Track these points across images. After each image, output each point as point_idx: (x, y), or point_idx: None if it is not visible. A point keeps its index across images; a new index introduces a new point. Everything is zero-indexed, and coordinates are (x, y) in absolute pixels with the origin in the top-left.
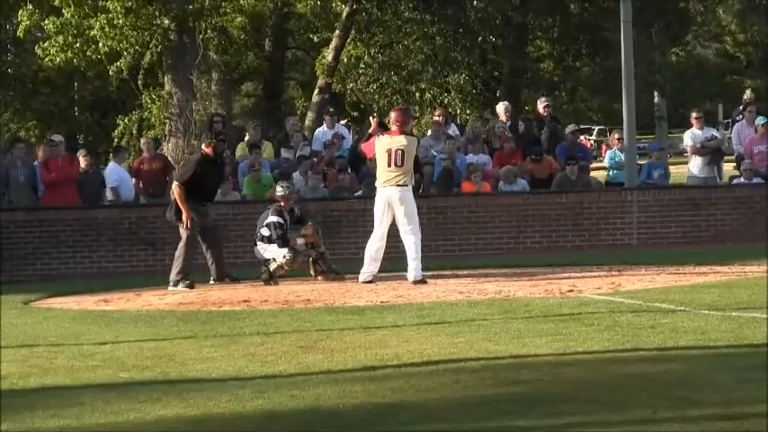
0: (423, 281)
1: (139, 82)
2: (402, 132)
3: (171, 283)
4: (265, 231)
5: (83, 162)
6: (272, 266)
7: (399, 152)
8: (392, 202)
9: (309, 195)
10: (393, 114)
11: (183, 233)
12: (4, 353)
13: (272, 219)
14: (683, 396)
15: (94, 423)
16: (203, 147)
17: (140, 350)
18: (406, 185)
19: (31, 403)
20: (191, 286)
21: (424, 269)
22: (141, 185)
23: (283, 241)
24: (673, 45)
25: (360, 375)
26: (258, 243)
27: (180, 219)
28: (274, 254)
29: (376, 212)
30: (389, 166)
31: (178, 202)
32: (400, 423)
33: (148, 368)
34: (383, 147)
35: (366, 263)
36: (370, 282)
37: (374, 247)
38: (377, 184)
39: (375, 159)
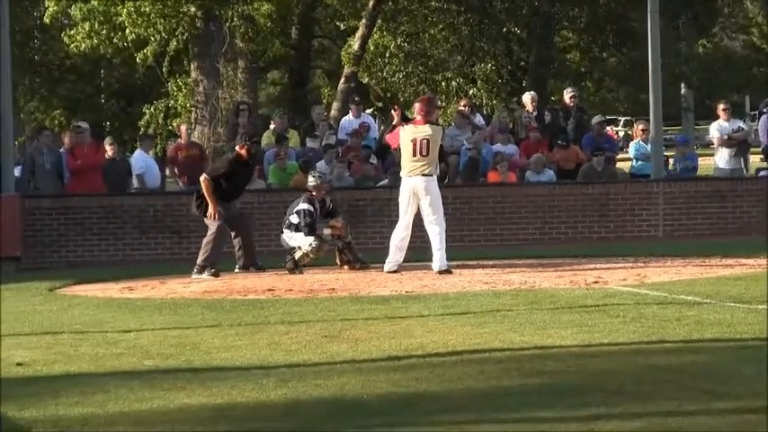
0: (448, 271)
1: (165, 69)
2: (427, 122)
3: (195, 270)
4: (294, 219)
5: (109, 150)
6: (298, 255)
7: (424, 142)
8: (417, 192)
9: (335, 184)
10: (417, 104)
11: (212, 224)
12: (28, 340)
13: (303, 206)
14: (708, 388)
15: (118, 411)
16: (237, 148)
17: (165, 338)
18: (431, 175)
19: (55, 390)
20: (215, 275)
21: (449, 259)
22: (177, 172)
23: (310, 229)
24: (700, 37)
25: (384, 365)
26: (285, 231)
27: (203, 213)
28: (300, 242)
29: (401, 202)
30: (414, 155)
31: (205, 194)
32: (424, 413)
33: (173, 356)
34: (408, 136)
35: (391, 252)
36: (395, 271)
37: (399, 237)
38: (402, 173)
39: (400, 149)
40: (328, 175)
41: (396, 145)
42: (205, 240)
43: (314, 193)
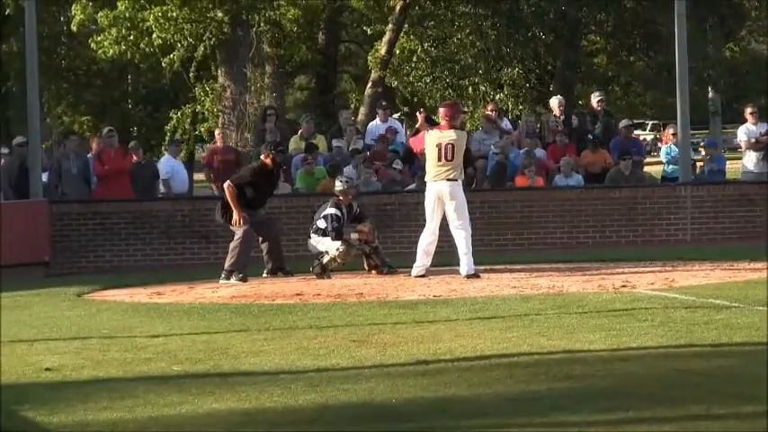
0: (475, 275)
1: (191, 74)
2: (451, 127)
3: (223, 276)
4: (321, 223)
5: (134, 154)
6: (325, 259)
7: (449, 146)
8: (442, 197)
9: (362, 189)
10: (442, 109)
11: (238, 230)
12: (57, 345)
13: (330, 211)
14: (736, 392)
15: (147, 416)
16: (262, 157)
17: (193, 343)
18: (456, 180)
19: (84, 395)
20: (243, 280)
21: (476, 263)
22: (212, 176)
23: (337, 234)
24: (727, 40)
25: (412, 369)
26: (312, 235)
27: (228, 220)
28: (327, 246)
29: (426, 207)
30: (439, 160)
31: (229, 201)
32: (453, 417)
33: (201, 361)
34: (433, 141)
35: (419, 257)
36: (422, 276)
37: (426, 242)
38: (426, 178)
39: (424, 154)
40: (355, 180)
41: (419, 149)
42: (232, 245)
43: (341, 198)
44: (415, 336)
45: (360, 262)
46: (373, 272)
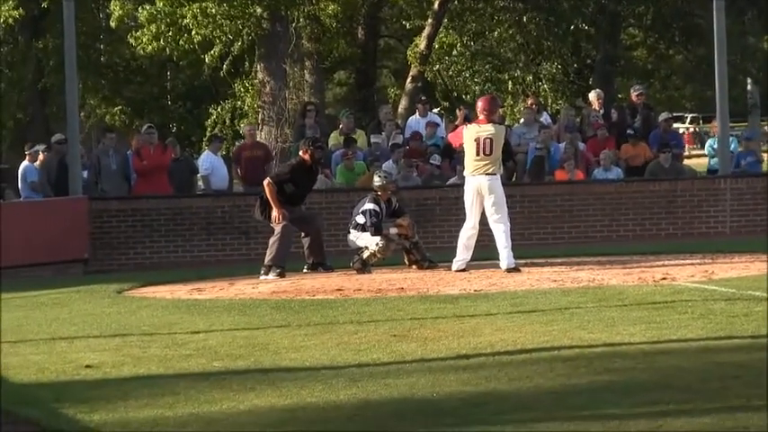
0: (516, 269)
1: (226, 69)
2: (490, 121)
3: (262, 271)
4: (360, 219)
5: (171, 150)
6: (365, 254)
7: (488, 140)
8: (481, 191)
9: (401, 184)
10: (480, 103)
11: (277, 227)
12: (97, 342)
13: (369, 206)
14: None
15: (188, 412)
16: (300, 152)
17: (233, 339)
18: (495, 174)
19: (125, 392)
20: (281, 275)
21: (516, 257)
22: (240, 172)
23: (376, 229)
24: (766, 33)
25: (453, 364)
26: (351, 231)
27: (267, 217)
28: (367, 242)
29: (466, 202)
30: (478, 154)
31: (269, 197)
32: (494, 412)
33: (242, 357)
34: (471, 135)
35: (459, 251)
36: (463, 270)
37: (466, 236)
38: (465, 173)
39: (462, 148)
40: (394, 175)
41: (457, 143)
42: (271, 240)
43: (380, 193)
44: (456, 330)
45: (400, 257)
46: (414, 267)
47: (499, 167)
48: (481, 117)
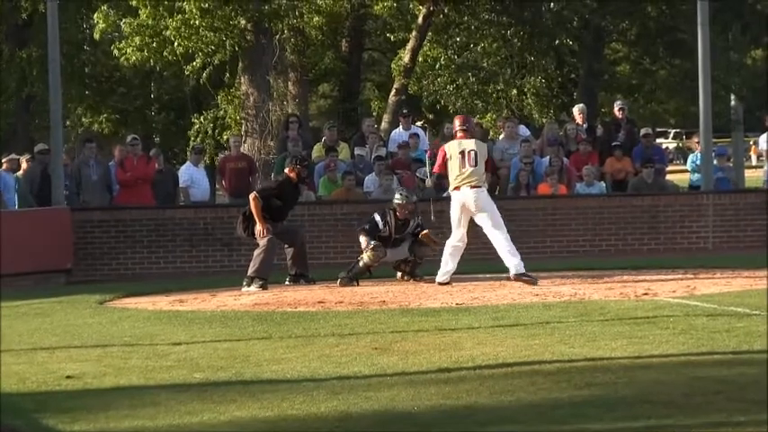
0: (525, 275)
1: (203, 79)
2: (471, 137)
3: (244, 282)
4: (365, 225)
5: (155, 161)
6: (360, 264)
7: (472, 153)
8: (468, 205)
9: (383, 196)
10: (457, 121)
11: (261, 240)
12: (78, 352)
13: (376, 216)
14: (757, 399)
15: (168, 423)
16: (287, 171)
17: (215, 351)
18: (480, 186)
19: (106, 403)
20: (263, 287)
21: (497, 271)
22: (224, 184)
23: (366, 234)
24: (750, 48)
25: (434, 377)
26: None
27: (250, 234)
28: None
29: (452, 216)
30: (464, 166)
31: (253, 211)
32: (475, 425)
33: (223, 369)
34: (456, 149)
35: (443, 263)
36: (447, 283)
37: (452, 248)
38: (450, 189)
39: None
40: (376, 187)
41: (441, 165)
42: (256, 253)
43: (397, 211)
44: (437, 343)
45: (388, 270)
46: (406, 278)
47: (484, 181)
48: (461, 134)
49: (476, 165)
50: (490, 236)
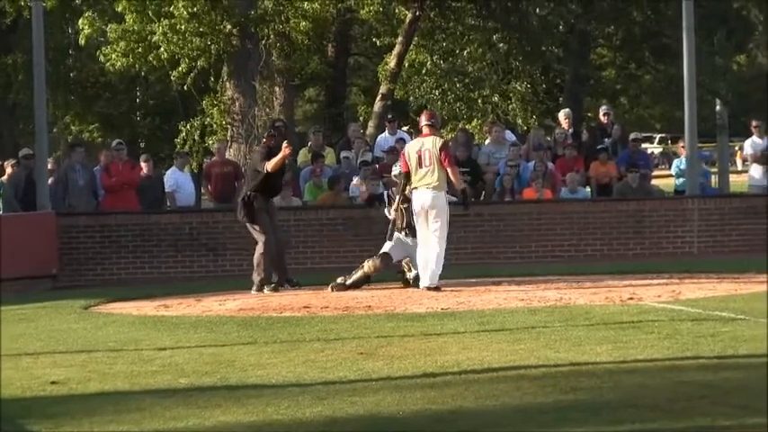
0: (437, 288)
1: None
2: (435, 133)
3: (255, 287)
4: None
5: (144, 167)
6: (358, 273)
7: (427, 152)
8: (426, 205)
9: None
10: (424, 116)
11: (259, 237)
12: (63, 358)
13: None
14: (742, 404)
15: (153, 429)
16: (263, 142)
17: (200, 356)
18: (439, 190)
19: (91, 409)
20: (275, 289)
21: (483, 275)
22: (210, 188)
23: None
24: (735, 53)
25: (420, 382)
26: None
27: (250, 220)
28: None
29: (414, 218)
30: (420, 167)
31: (277, 161)
32: (460, 430)
33: (208, 374)
34: (414, 150)
35: (420, 269)
36: (436, 288)
37: (423, 254)
38: (411, 188)
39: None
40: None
41: (406, 169)
42: (255, 259)
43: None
44: (423, 348)
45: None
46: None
47: (444, 183)
48: (426, 130)
49: (430, 164)
50: (431, 240)
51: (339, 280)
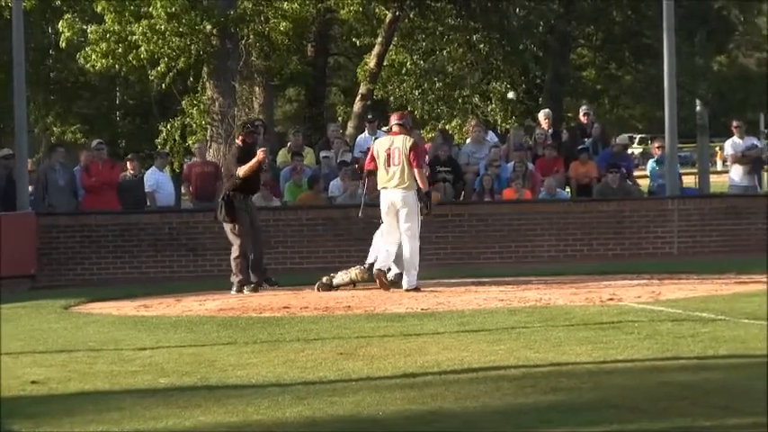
0: (416, 288)
1: (166, 83)
2: (405, 133)
3: (234, 289)
4: None
5: (130, 167)
6: (345, 279)
7: (396, 151)
8: (395, 203)
9: (349, 201)
10: (394, 117)
11: (235, 239)
12: (43, 357)
13: None
14: (722, 405)
15: (134, 429)
16: (237, 140)
17: (180, 356)
18: (408, 189)
19: (71, 408)
20: (255, 290)
21: (463, 276)
22: (191, 189)
23: None
24: (715, 54)
25: (399, 382)
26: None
27: (230, 219)
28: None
29: (383, 217)
30: (388, 166)
31: (247, 168)
32: (440, 430)
33: (188, 374)
34: (383, 148)
35: (395, 268)
36: (415, 288)
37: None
38: (378, 187)
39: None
40: (341, 192)
41: (369, 167)
42: (233, 260)
43: None
44: (403, 349)
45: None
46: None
47: (414, 184)
48: (396, 129)
49: (399, 163)
50: (402, 242)
51: (325, 280)
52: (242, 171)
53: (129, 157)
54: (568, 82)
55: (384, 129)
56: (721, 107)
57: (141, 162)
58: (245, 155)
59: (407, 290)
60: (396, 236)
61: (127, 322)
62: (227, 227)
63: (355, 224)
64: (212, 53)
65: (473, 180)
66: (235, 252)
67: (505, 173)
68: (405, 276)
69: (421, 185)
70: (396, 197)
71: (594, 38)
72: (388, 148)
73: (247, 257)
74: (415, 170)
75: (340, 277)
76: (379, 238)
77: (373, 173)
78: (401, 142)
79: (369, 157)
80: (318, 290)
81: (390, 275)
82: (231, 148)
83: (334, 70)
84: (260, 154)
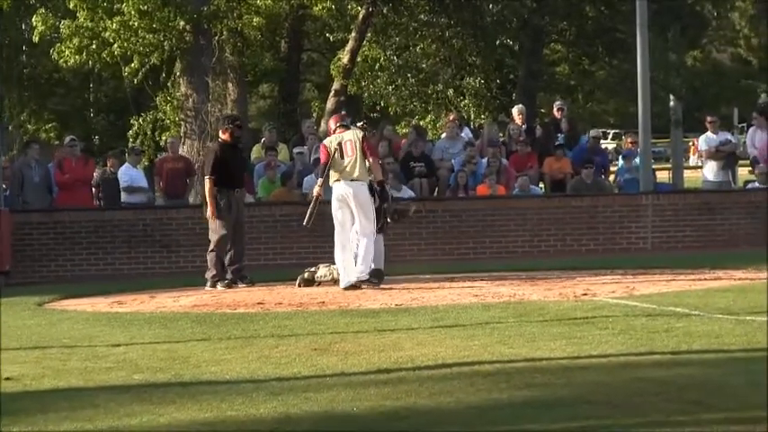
0: (354, 286)
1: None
2: (347, 130)
3: (208, 284)
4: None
5: (110, 164)
6: (326, 276)
7: (348, 143)
8: (347, 197)
9: (323, 198)
10: (332, 122)
11: (213, 235)
12: (17, 354)
13: None
14: (696, 400)
15: (108, 425)
16: (220, 134)
17: (154, 352)
18: (361, 181)
19: (44, 405)
20: (229, 286)
21: (437, 272)
22: (161, 184)
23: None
24: (689, 49)
25: (374, 378)
26: None
27: (218, 216)
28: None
29: (333, 213)
30: (343, 158)
31: (207, 194)
32: (414, 426)
33: (162, 370)
34: (334, 142)
35: (342, 270)
36: (355, 287)
37: (342, 254)
38: (331, 182)
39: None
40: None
41: (325, 159)
42: (208, 254)
43: None
44: (377, 344)
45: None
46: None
47: (367, 176)
48: (340, 130)
49: (353, 154)
50: (359, 237)
51: (306, 275)
52: (208, 195)
53: (109, 154)
54: (542, 77)
55: (358, 124)
56: (695, 102)
57: (121, 160)
58: (229, 152)
59: (345, 288)
60: (347, 235)
61: (101, 319)
62: (215, 221)
63: (329, 220)
64: (186, 49)
65: (447, 176)
66: (212, 246)
67: (480, 168)
68: (347, 274)
69: (377, 175)
70: (348, 190)
71: (568, 33)
72: (339, 141)
73: (222, 255)
74: (371, 158)
75: (322, 272)
76: (339, 255)
77: (326, 167)
78: (352, 134)
79: (324, 152)
80: (300, 285)
81: (361, 276)
82: (211, 144)
83: (307, 66)
84: (212, 211)
